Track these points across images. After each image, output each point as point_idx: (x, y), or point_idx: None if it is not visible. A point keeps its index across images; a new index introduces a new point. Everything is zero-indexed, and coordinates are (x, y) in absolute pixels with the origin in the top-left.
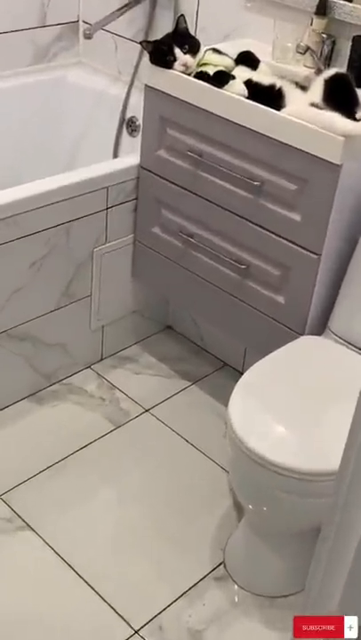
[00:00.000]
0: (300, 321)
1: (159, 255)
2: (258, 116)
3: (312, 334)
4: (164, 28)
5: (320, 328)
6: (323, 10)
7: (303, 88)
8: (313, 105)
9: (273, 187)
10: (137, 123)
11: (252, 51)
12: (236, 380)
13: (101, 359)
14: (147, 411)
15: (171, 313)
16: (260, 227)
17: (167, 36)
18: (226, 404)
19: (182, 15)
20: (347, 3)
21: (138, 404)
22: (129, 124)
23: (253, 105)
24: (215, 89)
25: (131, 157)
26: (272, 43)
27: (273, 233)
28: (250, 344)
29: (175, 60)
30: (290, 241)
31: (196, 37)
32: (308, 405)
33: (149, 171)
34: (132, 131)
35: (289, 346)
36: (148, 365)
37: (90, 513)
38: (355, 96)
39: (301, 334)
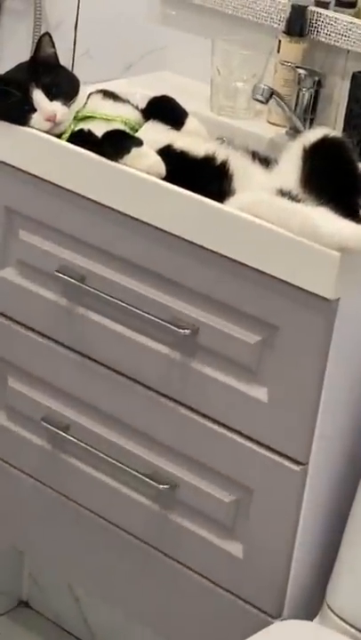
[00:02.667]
0: (273, 592)
1: (4, 465)
2: (186, 211)
3: (297, 617)
4: (15, 52)
5: (310, 605)
6: (299, 26)
7: (266, 162)
8: (283, 193)
9: (215, 338)
10: None
11: (174, 95)
12: None
13: None
14: None
15: (27, 579)
16: (195, 412)
17: (20, 68)
18: None
19: (47, 34)
20: (340, 15)
21: None
22: None
23: (177, 192)
24: (107, 162)
25: None
26: (210, 80)
27: (218, 423)
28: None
29: (34, 110)
30: (250, 439)
31: (72, 72)
32: None
33: None
34: None
35: None
36: None
37: None
38: (356, 176)
39: (276, 617)
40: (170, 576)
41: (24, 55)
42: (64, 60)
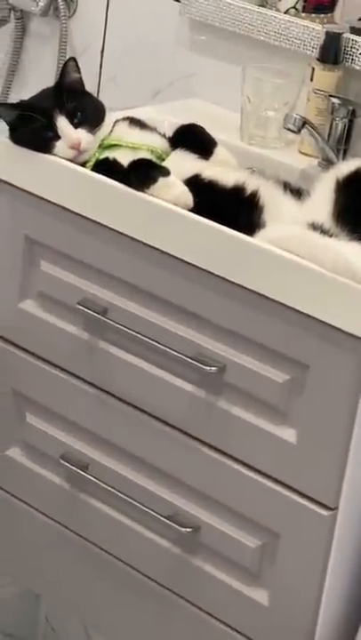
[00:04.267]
0: None
1: (21, 504)
2: (214, 244)
3: None
4: (39, 77)
5: None
6: (333, 54)
7: (297, 193)
8: (315, 226)
9: (243, 376)
10: None
11: (203, 123)
12: None
13: None
14: None
15: (43, 624)
16: (220, 452)
17: (44, 94)
18: None
19: (73, 59)
20: None
21: None
22: None
23: (204, 224)
24: (132, 192)
25: None
26: (240, 109)
27: (244, 464)
28: None
29: (58, 137)
30: (277, 481)
31: (98, 98)
32: None
33: (2, 338)
34: None
35: None
36: None
37: None
38: None
39: None
40: (192, 623)
41: (49, 80)
42: (90, 86)
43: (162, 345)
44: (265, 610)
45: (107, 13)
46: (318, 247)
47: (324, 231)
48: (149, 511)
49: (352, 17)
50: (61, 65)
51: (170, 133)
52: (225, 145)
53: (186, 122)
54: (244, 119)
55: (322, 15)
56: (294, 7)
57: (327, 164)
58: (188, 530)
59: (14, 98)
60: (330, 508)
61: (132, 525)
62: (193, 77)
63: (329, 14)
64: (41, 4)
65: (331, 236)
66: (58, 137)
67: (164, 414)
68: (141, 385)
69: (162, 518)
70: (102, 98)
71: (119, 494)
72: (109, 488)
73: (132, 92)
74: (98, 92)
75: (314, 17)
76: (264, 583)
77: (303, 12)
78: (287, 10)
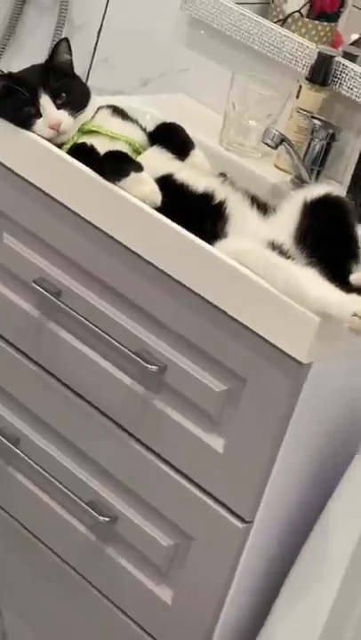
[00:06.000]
0: None
1: None
2: (173, 246)
3: None
4: (33, 44)
5: None
6: (323, 75)
7: (264, 208)
8: (274, 245)
9: (182, 379)
10: None
11: (186, 121)
12: None
13: None
14: None
15: None
16: (149, 449)
17: (33, 70)
18: None
19: (66, 40)
20: None
21: None
22: None
23: (167, 225)
24: (102, 182)
25: None
26: (223, 113)
27: (170, 465)
28: None
29: (39, 115)
30: (199, 487)
31: (85, 83)
32: None
33: None
34: None
35: None
36: None
37: None
38: (353, 240)
39: None
40: (96, 610)
41: (43, 49)
42: (81, 64)
43: (109, 336)
44: (167, 608)
45: None
46: (275, 267)
47: (282, 252)
48: (71, 494)
49: (354, 31)
50: (57, 37)
51: (151, 128)
52: (203, 146)
53: (168, 118)
54: (225, 124)
55: (325, 23)
56: (299, 11)
57: (300, 182)
58: (105, 519)
59: (6, 62)
60: (245, 521)
61: (52, 505)
62: (184, 73)
63: (333, 23)
64: None
65: (288, 257)
66: (39, 115)
67: (100, 403)
68: (83, 371)
69: (82, 503)
70: (92, 77)
71: (45, 473)
72: (36, 466)
73: (123, 76)
74: (89, 70)
75: (317, 24)
76: (171, 583)
77: (307, 17)
78: (291, 13)
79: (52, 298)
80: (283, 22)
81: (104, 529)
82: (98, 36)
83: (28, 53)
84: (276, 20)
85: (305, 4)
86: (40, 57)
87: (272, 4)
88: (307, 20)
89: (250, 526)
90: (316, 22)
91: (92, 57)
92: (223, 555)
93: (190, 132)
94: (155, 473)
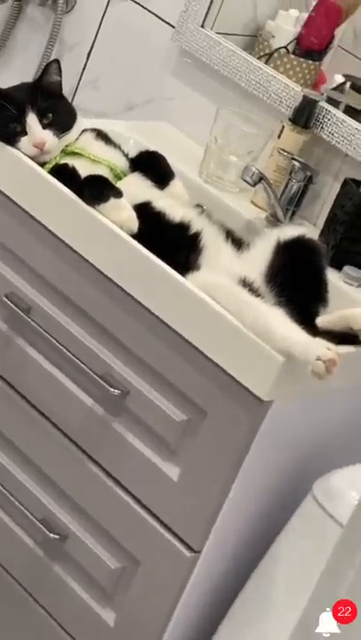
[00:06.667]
0: None
1: None
2: (145, 274)
3: None
4: (22, 60)
5: None
6: (306, 118)
7: (238, 243)
8: (245, 282)
9: (143, 405)
10: None
11: (168, 150)
12: None
13: None
14: None
15: None
16: (104, 471)
17: (22, 87)
18: None
19: (57, 62)
20: (348, 118)
21: None
22: None
23: (140, 252)
24: (81, 204)
25: None
26: (205, 145)
27: (124, 489)
28: None
29: (25, 133)
30: (150, 513)
31: (72, 104)
32: None
33: None
34: None
35: None
36: None
37: None
38: (322, 283)
39: None
40: (39, 627)
41: (32, 67)
42: (68, 84)
43: (74, 356)
44: (109, 630)
45: (102, 17)
46: (244, 303)
47: (253, 289)
48: (24, 509)
49: (337, 71)
50: (47, 54)
51: (133, 153)
52: (182, 176)
53: (151, 146)
54: (206, 157)
55: (310, 62)
56: (285, 47)
57: (275, 220)
58: (55, 536)
59: None
60: (194, 551)
61: (2, 516)
62: (170, 102)
63: (317, 62)
64: None
65: (258, 295)
66: (25, 133)
67: (62, 423)
68: (46, 388)
69: (33, 519)
70: (78, 98)
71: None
72: None
73: (109, 99)
74: (75, 90)
75: (302, 61)
76: (115, 605)
77: (293, 53)
78: (278, 49)
79: (21, 314)
80: (268, 57)
81: (53, 546)
82: (88, 58)
83: (17, 68)
84: (262, 53)
85: (292, 41)
86: (29, 72)
87: (260, 37)
88: (292, 56)
89: (197, 556)
90: (302, 60)
91: (80, 77)
92: (168, 582)
93: (171, 160)
94: (109, 495)
